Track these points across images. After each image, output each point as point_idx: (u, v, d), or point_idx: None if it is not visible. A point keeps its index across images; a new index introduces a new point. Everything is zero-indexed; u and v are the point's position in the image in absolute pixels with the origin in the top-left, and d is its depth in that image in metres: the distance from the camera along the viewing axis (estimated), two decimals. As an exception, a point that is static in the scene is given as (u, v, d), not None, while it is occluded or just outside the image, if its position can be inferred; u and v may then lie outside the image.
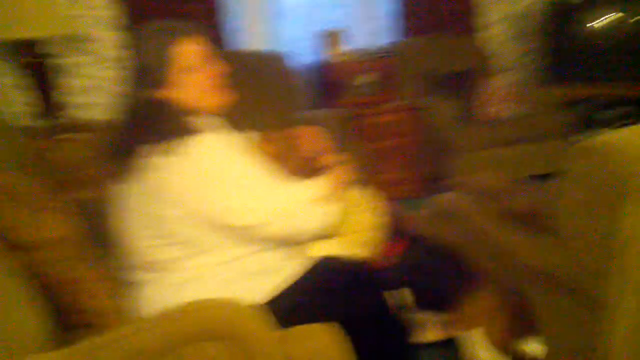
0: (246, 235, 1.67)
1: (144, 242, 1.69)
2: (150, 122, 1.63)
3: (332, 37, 4.55)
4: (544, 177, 4.45)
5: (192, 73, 1.69)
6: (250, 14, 4.63)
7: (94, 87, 4.22)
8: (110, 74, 4.25)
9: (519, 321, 1.96)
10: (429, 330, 2.13)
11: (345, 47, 4.59)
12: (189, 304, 1.45)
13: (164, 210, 1.62)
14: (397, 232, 1.95)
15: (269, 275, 1.71)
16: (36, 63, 3.54)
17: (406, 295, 1.91)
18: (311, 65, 4.77)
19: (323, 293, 1.67)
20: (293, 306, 1.64)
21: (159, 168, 1.59)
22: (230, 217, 1.62)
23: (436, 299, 1.98)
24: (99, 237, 2.21)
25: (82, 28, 4.05)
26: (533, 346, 1.97)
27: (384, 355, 1.70)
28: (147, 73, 1.66)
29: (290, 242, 1.76)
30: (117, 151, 1.67)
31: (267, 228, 1.65)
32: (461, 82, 4.82)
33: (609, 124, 4.86)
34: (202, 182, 1.60)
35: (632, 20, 4.84)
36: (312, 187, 1.76)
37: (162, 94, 1.68)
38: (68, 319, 1.61)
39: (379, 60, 4.60)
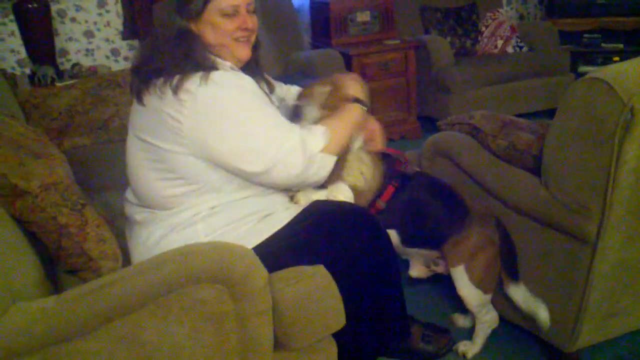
0: (253, 179, 1.68)
1: (146, 175, 1.71)
2: (175, 51, 1.65)
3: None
4: (549, 113, 4.42)
5: (226, 18, 1.71)
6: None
7: (89, 31, 4.16)
8: (105, 17, 4.18)
9: (501, 259, 1.98)
10: (415, 267, 2.16)
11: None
12: (181, 247, 1.46)
13: (169, 145, 1.62)
14: (389, 175, 1.95)
15: (262, 220, 1.72)
16: (28, 7, 3.47)
17: (393, 236, 1.92)
18: (309, 3, 4.68)
19: (313, 235, 1.68)
20: (283, 249, 1.65)
21: (172, 100, 1.59)
22: (235, 160, 1.62)
23: (424, 237, 1.99)
24: (92, 182, 2.23)
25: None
26: (515, 291, 2.00)
27: (373, 294, 1.72)
28: (186, 4, 1.68)
29: (293, 189, 1.78)
30: (140, 75, 1.68)
31: (270, 176, 1.65)
32: (460, 18, 4.73)
33: (614, 55, 4.80)
34: (214, 120, 1.60)
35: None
36: (324, 133, 1.74)
37: (195, 27, 1.70)
38: (60, 266, 1.63)
39: (378, -3, 4.50)
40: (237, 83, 1.67)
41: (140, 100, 1.66)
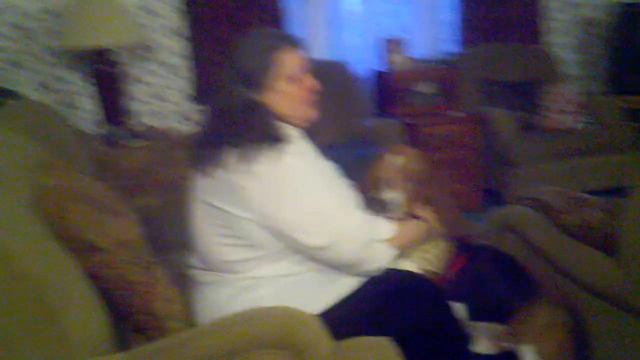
0: (308, 254, 1.68)
1: (213, 239, 1.72)
2: (244, 123, 1.66)
3: (392, 45, 4.53)
4: (613, 191, 4.31)
5: (290, 82, 1.74)
6: (311, 21, 4.66)
7: (160, 94, 4.32)
8: (176, 82, 4.35)
9: (573, 342, 1.90)
10: (482, 341, 2.09)
11: (405, 55, 4.56)
12: (249, 311, 1.46)
13: (237, 210, 1.64)
14: (461, 245, 1.93)
15: (327, 285, 1.72)
16: (105, 71, 3.64)
17: (461, 310, 1.89)
18: (371, 74, 4.76)
19: (380, 305, 1.67)
20: (349, 317, 1.64)
21: (242, 170, 1.61)
22: (299, 233, 1.63)
23: (491, 311, 1.94)
24: (161, 242, 2.27)
25: (151, 36, 4.17)
26: None
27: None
28: (250, 74, 1.70)
29: (347, 270, 1.74)
30: (205, 146, 1.71)
31: (330, 253, 1.66)
32: (523, 92, 4.72)
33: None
34: (282, 193, 1.62)
35: None
36: (391, 227, 1.77)
37: (260, 97, 1.72)
38: (126, 323, 1.64)
39: (440, 69, 4.55)
40: (307, 157, 1.71)
41: (206, 173, 1.68)
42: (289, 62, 1.72)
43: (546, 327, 1.88)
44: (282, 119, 1.75)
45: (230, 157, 1.63)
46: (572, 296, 1.96)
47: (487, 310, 1.95)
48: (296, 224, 1.63)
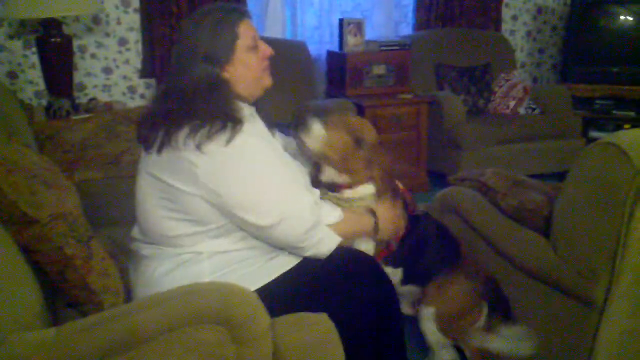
0: (253, 232, 1.68)
1: (156, 212, 1.70)
2: (203, 101, 1.63)
3: (348, 26, 4.53)
4: (559, 175, 4.42)
5: (250, 52, 1.72)
6: (269, 1, 4.60)
7: (108, 67, 4.22)
8: (125, 55, 4.25)
9: (497, 316, 1.99)
10: (404, 304, 2.15)
11: (361, 37, 4.56)
12: (186, 286, 1.45)
13: (185, 186, 1.62)
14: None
15: (267, 262, 1.72)
16: (51, 41, 3.53)
17: (397, 274, 1.97)
18: (327, 54, 4.75)
19: (318, 281, 1.68)
20: (287, 294, 1.65)
21: (194, 148, 1.58)
22: (246, 211, 1.63)
23: (421, 275, 2.03)
24: (101, 216, 2.23)
25: (100, 7, 4.06)
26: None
27: (376, 344, 1.71)
28: (213, 51, 1.67)
29: (291, 251, 1.75)
30: (156, 123, 1.67)
31: (275, 232, 1.66)
32: (475, 76, 4.79)
33: (626, 123, 4.82)
34: (234, 172, 1.61)
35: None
36: (338, 214, 1.79)
37: (223, 73, 1.70)
38: (61, 298, 1.62)
39: (394, 51, 4.56)
40: (261, 137, 1.70)
41: (155, 148, 1.65)
42: (245, 32, 1.71)
43: (454, 296, 1.97)
44: (240, 96, 1.74)
45: (183, 134, 1.60)
46: (506, 275, 2.01)
47: (418, 274, 2.02)
48: (245, 203, 1.62)
